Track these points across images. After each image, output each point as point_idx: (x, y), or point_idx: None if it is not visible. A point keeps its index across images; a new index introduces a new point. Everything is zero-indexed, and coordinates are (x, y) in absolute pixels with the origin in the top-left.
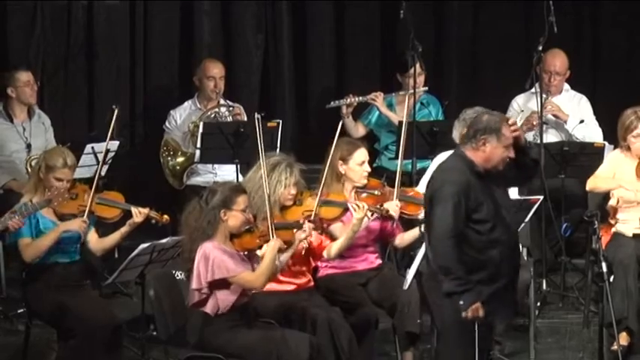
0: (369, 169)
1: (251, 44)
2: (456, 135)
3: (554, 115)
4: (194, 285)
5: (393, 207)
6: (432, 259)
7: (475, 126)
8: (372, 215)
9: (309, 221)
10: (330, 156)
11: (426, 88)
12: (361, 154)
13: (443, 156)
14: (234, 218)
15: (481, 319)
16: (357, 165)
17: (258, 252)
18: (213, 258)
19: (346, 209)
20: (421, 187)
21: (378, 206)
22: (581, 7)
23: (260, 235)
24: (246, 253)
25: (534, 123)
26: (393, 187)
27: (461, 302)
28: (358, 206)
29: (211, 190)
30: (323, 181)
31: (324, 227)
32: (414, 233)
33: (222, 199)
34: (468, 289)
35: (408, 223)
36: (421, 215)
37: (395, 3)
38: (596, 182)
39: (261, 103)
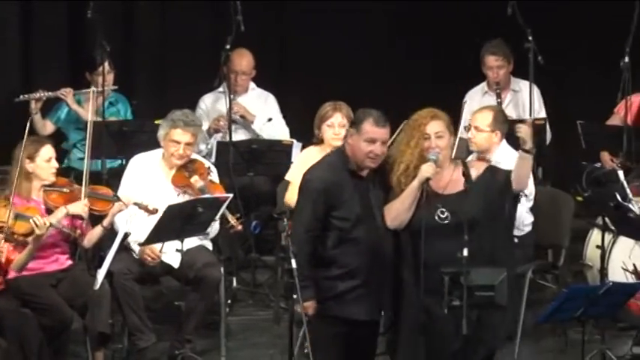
0: (56, 165)
1: None
2: (161, 134)
3: (241, 117)
4: None
5: (81, 206)
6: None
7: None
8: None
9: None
10: (19, 156)
11: (116, 87)
12: (47, 151)
13: (138, 157)
14: None
15: (311, 317)
16: (45, 162)
17: None
18: None
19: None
20: None
21: (62, 224)
22: (269, 7)
23: None
24: None
25: (222, 124)
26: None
27: (294, 296)
28: (44, 223)
29: None
30: (15, 184)
31: (17, 240)
32: (98, 231)
33: None
34: (304, 286)
35: (99, 218)
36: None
37: (82, 3)
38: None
39: None
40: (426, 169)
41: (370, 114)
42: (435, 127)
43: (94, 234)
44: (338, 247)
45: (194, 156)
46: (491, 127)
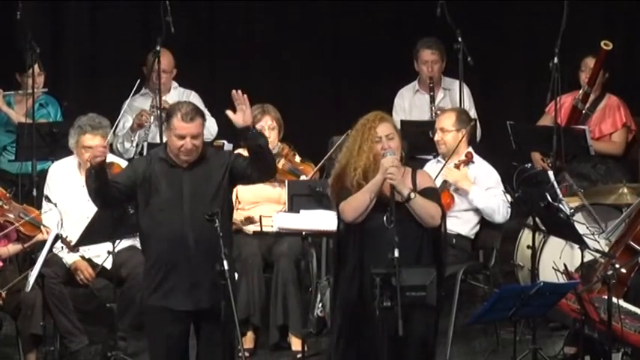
0: None
1: None
2: (72, 143)
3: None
4: None
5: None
6: None
7: None
8: None
9: None
10: None
11: (46, 89)
12: None
13: (56, 165)
14: None
15: None
16: None
17: None
18: None
19: None
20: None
21: None
22: (197, 8)
23: None
24: None
25: (144, 118)
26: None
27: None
28: None
29: None
30: None
31: None
32: (16, 249)
33: None
34: None
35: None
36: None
37: (11, 3)
38: None
39: None
40: (387, 160)
41: (178, 109)
42: (385, 129)
43: (10, 250)
44: (147, 236)
45: (111, 158)
46: (455, 126)
